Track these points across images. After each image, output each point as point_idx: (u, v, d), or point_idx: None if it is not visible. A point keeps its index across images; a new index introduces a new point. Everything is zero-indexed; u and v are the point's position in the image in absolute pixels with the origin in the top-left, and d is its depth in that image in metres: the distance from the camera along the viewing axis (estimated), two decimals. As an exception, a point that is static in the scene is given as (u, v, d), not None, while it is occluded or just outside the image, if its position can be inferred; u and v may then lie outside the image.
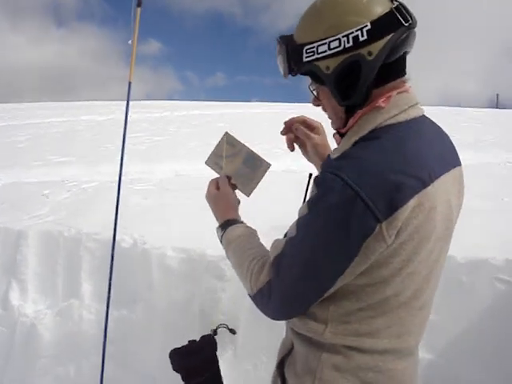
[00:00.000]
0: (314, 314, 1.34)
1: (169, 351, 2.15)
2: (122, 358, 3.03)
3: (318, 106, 1.45)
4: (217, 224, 1.67)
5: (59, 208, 4.20)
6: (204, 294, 2.82)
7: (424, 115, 1.35)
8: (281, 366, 1.52)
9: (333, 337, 1.33)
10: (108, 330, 2.79)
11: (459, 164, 1.35)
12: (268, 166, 1.79)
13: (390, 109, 1.27)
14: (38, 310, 3.41)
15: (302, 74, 1.37)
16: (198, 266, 2.87)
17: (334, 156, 1.32)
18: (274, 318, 1.41)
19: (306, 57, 1.28)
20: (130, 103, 2.98)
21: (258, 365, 2.79)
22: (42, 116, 13.69)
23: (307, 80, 1.42)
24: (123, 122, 2.96)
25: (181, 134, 9.14)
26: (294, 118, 1.77)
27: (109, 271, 2.85)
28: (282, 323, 1.61)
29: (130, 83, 2.93)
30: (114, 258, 2.87)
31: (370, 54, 1.22)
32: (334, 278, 1.21)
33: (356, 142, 1.27)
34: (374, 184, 1.12)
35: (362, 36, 1.20)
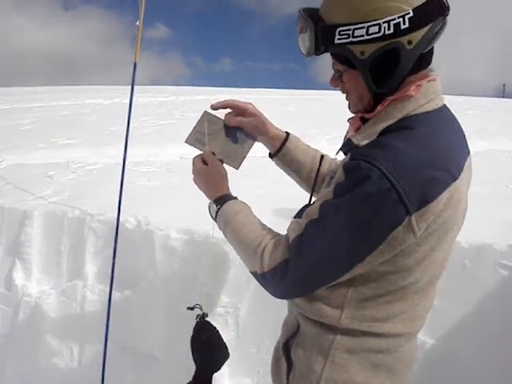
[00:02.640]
0: (329, 299, 1.35)
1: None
2: (124, 338, 3.05)
3: (336, 86, 1.40)
4: (209, 200, 1.65)
5: (64, 189, 4.20)
6: (207, 276, 2.83)
7: (445, 103, 1.34)
8: (286, 346, 1.52)
9: (349, 322, 1.34)
10: (111, 310, 2.80)
11: (469, 151, 1.34)
12: (253, 141, 1.76)
13: (420, 98, 1.26)
14: (42, 290, 3.43)
15: (330, 54, 1.32)
16: (202, 248, 2.87)
17: (360, 142, 1.28)
18: (281, 297, 1.43)
19: (339, 39, 1.21)
20: (136, 88, 2.97)
21: (261, 347, 2.80)
22: (47, 99, 13.67)
23: (329, 58, 1.36)
24: (128, 106, 2.95)
25: (186, 118, 9.13)
26: (222, 104, 1.73)
27: (112, 252, 2.86)
28: (285, 304, 1.62)
29: (135, 64, 2.92)
30: (118, 238, 2.88)
31: (409, 43, 1.19)
32: (353, 264, 1.22)
33: (384, 130, 1.25)
34: (410, 177, 1.12)
35: (404, 24, 1.16)
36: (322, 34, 1.24)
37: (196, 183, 1.68)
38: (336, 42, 1.22)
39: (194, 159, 1.69)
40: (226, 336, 2.83)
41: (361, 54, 1.21)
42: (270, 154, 1.84)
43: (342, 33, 1.20)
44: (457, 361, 2.51)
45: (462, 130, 1.35)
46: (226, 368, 2.85)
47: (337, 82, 1.38)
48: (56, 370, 3.25)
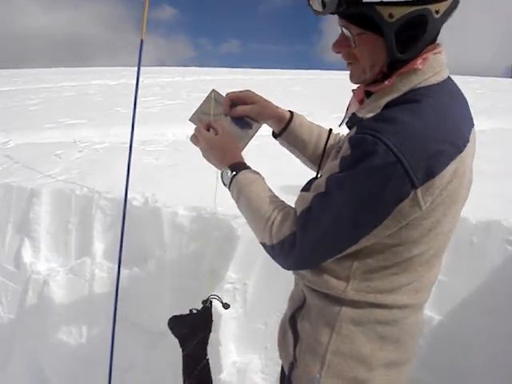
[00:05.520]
0: (335, 271, 1.36)
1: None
2: (132, 315, 3.07)
3: (339, 52, 1.35)
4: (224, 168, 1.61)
5: (71, 167, 4.22)
6: (215, 253, 2.84)
7: (449, 76, 1.32)
8: (292, 319, 1.54)
9: (354, 294, 1.35)
10: (119, 287, 2.81)
11: (473, 123, 1.33)
12: (259, 125, 1.74)
13: (426, 71, 1.24)
14: (51, 268, 3.45)
15: (344, 15, 1.25)
16: (209, 225, 2.88)
17: (364, 115, 1.26)
18: (289, 269, 1.45)
19: None
20: (142, 68, 2.96)
21: (269, 323, 2.81)
22: (53, 81, 13.71)
23: (339, 20, 1.29)
24: (134, 86, 2.94)
25: (192, 98, 9.12)
26: (224, 105, 1.72)
27: (120, 229, 2.87)
28: (293, 280, 1.62)
29: (142, 41, 2.90)
30: (126, 216, 2.89)
31: (437, 12, 1.16)
32: (359, 238, 1.23)
33: (389, 103, 1.24)
34: (416, 151, 1.12)
35: None
36: None
37: (206, 151, 1.65)
38: (364, 0, 1.16)
39: (198, 128, 1.67)
40: (234, 312, 2.85)
41: (389, 16, 1.16)
42: (273, 133, 1.84)
43: None
44: (464, 337, 2.51)
45: (467, 102, 1.33)
46: (233, 344, 2.88)
47: (342, 46, 1.33)
48: (65, 348, 3.28)
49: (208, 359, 2.11)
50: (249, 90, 1.75)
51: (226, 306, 2.16)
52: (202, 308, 2.11)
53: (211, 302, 2.14)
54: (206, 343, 2.10)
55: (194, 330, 2.08)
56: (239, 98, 1.73)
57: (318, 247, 1.29)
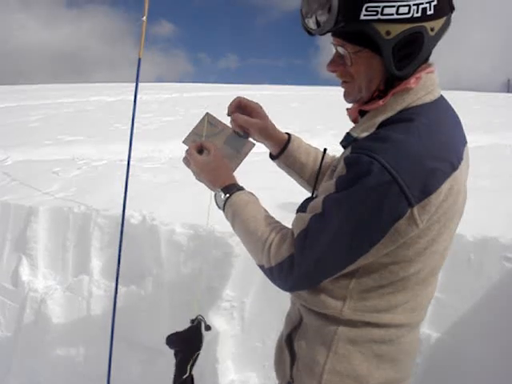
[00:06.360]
0: (331, 291, 1.36)
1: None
2: (130, 333, 3.06)
3: (334, 71, 1.36)
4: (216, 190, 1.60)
5: (69, 185, 4.22)
6: (212, 270, 2.83)
7: (442, 95, 1.34)
8: (289, 339, 1.53)
9: (351, 313, 1.35)
10: (117, 305, 2.81)
11: (466, 141, 1.34)
12: (252, 145, 1.74)
13: (419, 90, 1.26)
14: (48, 286, 3.45)
15: (340, 33, 1.26)
16: (207, 242, 2.88)
17: (359, 135, 1.28)
18: (288, 291, 1.45)
19: (365, 15, 1.16)
20: (140, 85, 2.98)
21: (267, 341, 2.80)
22: (52, 97, 13.77)
23: (333, 39, 1.30)
24: (133, 103, 2.95)
25: (190, 114, 9.15)
26: (231, 104, 1.73)
27: (118, 247, 2.87)
28: (289, 296, 1.62)
29: (139, 59, 2.92)
30: (124, 234, 2.89)
31: (432, 29, 1.20)
32: (357, 257, 1.23)
33: (383, 122, 1.26)
34: (411, 169, 1.13)
35: (430, 10, 1.17)
36: (347, 7, 1.17)
37: (198, 174, 1.63)
38: (362, 18, 1.17)
39: (190, 151, 1.64)
40: (232, 330, 2.84)
41: (386, 33, 1.17)
42: (270, 155, 1.84)
43: (369, 9, 1.15)
44: (462, 354, 2.50)
45: (459, 120, 1.35)
46: (231, 362, 2.87)
47: (338, 65, 1.33)
48: (63, 365, 3.26)
49: (191, 376, 2.11)
50: (258, 104, 1.75)
51: (207, 328, 2.18)
52: (190, 327, 2.14)
53: (199, 321, 2.16)
54: (190, 360, 2.10)
55: (183, 345, 2.10)
56: (247, 107, 1.72)
57: (317, 268, 1.29)
